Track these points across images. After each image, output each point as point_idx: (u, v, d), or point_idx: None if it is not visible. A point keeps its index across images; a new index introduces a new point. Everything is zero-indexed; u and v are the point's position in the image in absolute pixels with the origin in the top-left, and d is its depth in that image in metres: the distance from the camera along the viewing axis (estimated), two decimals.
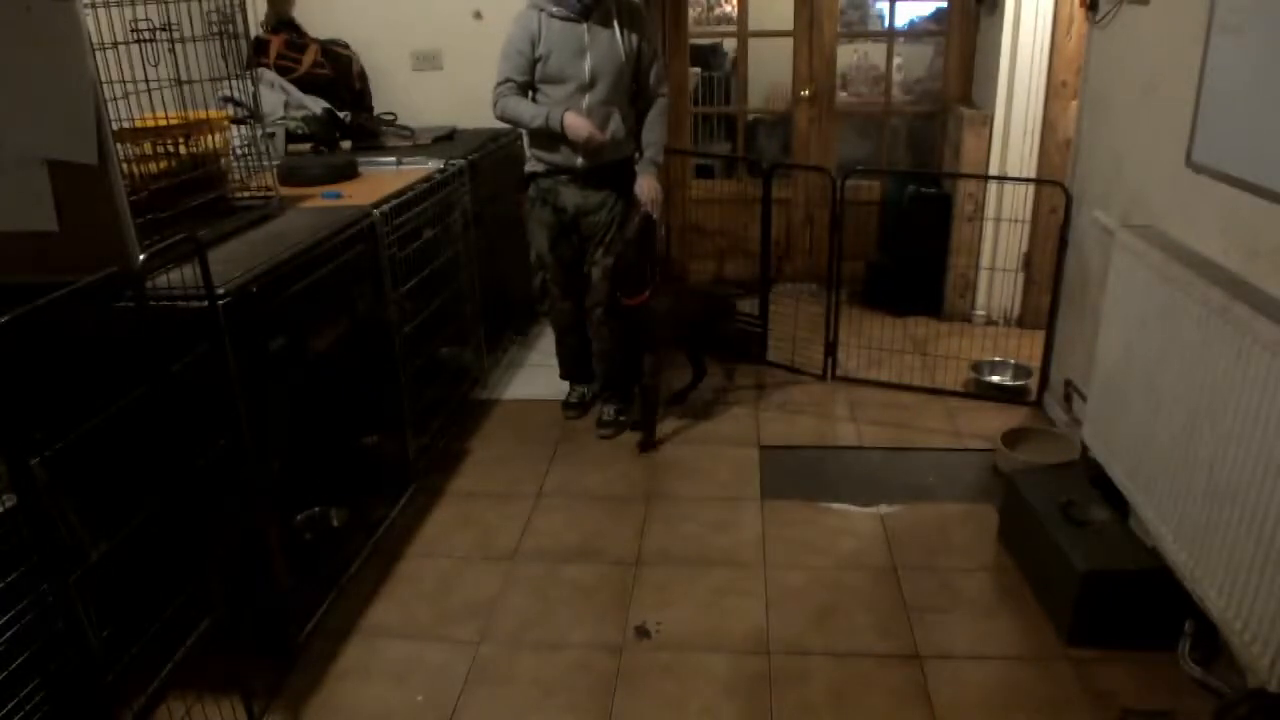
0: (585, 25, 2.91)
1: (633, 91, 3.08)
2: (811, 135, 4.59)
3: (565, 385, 3.52)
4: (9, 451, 1.45)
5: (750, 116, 4.95)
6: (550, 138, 2.98)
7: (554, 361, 3.50)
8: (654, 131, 3.11)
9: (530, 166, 3.12)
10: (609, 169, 3.07)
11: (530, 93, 3.02)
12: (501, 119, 3.03)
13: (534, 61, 2.93)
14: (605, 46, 2.94)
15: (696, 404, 3.52)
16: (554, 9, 2.90)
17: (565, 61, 2.92)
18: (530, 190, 3.14)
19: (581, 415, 3.46)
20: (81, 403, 1.65)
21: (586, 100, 2.95)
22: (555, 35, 2.90)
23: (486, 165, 3.54)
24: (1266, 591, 1.77)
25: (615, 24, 2.94)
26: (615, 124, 3.03)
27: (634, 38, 2.99)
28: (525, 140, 3.22)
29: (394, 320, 2.74)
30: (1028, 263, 4.04)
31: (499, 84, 2.98)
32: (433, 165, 3.25)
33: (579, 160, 3.00)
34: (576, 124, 2.90)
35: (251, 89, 2.46)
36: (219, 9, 2.25)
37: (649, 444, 3.21)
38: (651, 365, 3.15)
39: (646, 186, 3.06)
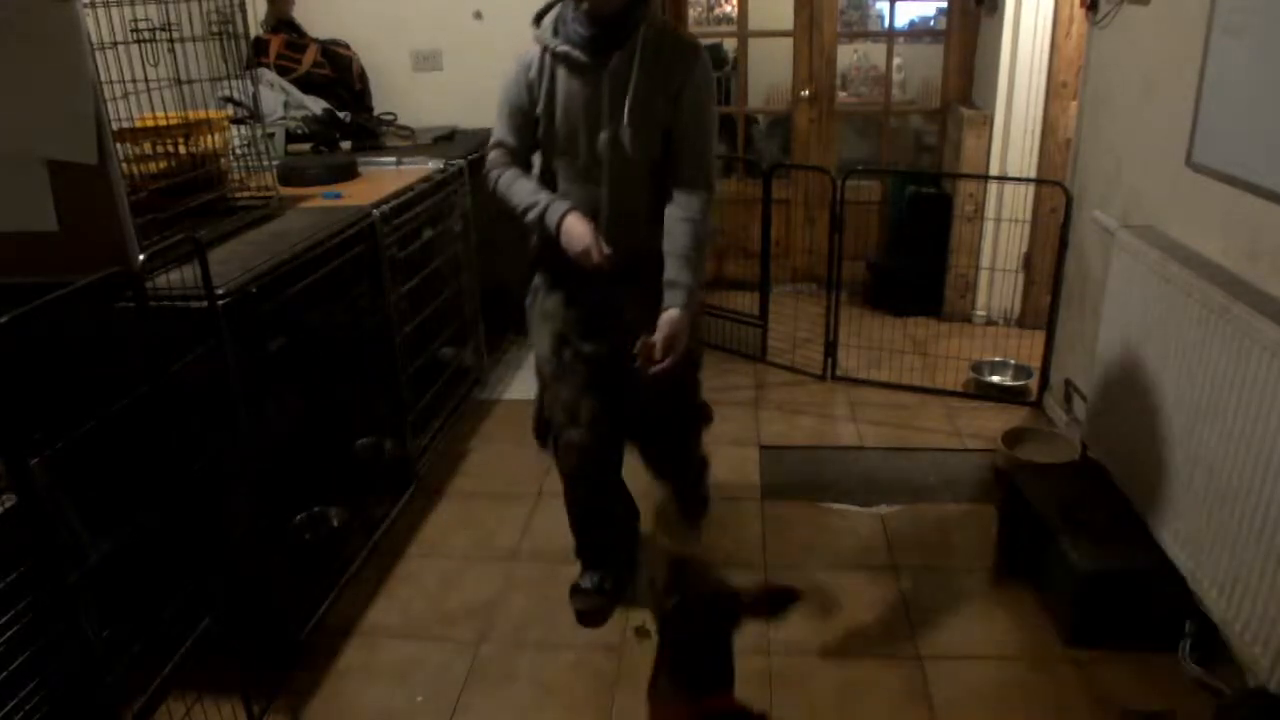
0: (602, 74, 1.94)
1: (659, 180, 2.05)
2: (811, 135, 4.59)
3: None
4: (9, 451, 1.45)
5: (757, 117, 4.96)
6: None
7: None
8: (677, 239, 1.99)
9: (536, 244, 2.18)
10: (643, 260, 2.03)
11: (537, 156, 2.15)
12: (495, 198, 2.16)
13: (534, 120, 2.06)
14: (629, 101, 1.95)
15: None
16: (560, 47, 1.96)
17: (574, 125, 2.01)
18: (534, 279, 2.22)
19: (596, 617, 2.36)
20: (81, 403, 1.65)
21: (605, 188, 2.03)
22: (562, 86, 1.99)
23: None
24: (1266, 591, 1.78)
25: (635, 67, 1.93)
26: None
27: (672, 92, 1.97)
28: None
29: (394, 320, 2.75)
30: (1028, 263, 4.03)
31: (491, 146, 2.15)
32: (433, 165, 3.25)
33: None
34: (575, 233, 1.96)
35: (251, 89, 2.47)
36: (219, 9, 2.25)
37: None
38: None
39: (667, 328, 1.93)
